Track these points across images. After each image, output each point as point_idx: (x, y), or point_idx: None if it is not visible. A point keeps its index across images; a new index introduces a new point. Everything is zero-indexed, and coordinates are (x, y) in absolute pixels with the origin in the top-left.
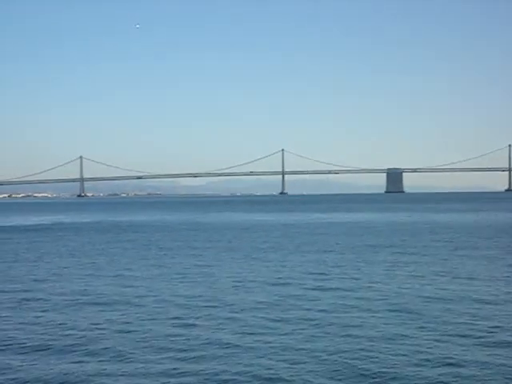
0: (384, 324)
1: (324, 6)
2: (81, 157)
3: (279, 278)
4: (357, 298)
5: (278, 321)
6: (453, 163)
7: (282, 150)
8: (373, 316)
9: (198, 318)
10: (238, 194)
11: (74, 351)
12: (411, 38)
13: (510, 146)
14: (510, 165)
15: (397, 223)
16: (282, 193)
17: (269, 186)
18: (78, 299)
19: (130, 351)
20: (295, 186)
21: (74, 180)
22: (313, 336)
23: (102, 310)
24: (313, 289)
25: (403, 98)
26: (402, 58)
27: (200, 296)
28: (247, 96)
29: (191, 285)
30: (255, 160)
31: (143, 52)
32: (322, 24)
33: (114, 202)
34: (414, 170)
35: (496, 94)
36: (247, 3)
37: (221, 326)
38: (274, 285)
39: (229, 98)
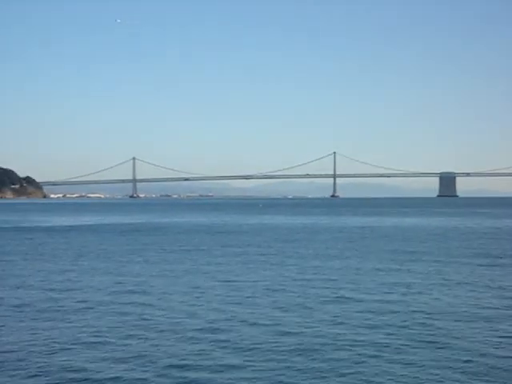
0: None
1: None
2: (134, 158)
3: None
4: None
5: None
6: (508, 167)
7: (334, 152)
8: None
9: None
10: (290, 197)
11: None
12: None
13: None
14: None
15: (447, 228)
16: (333, 196)
17: (321, 188)
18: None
19: None
20: (347, 188)
21: (126, 181)
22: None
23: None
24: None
25: (456, 100)
26: (459, 57)
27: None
28: (299, 97)
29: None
30: (307, 162)
31: (186, 52)
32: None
33: (161, 203)
34: (468, 174)
35: None
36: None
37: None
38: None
39: (282, 98)
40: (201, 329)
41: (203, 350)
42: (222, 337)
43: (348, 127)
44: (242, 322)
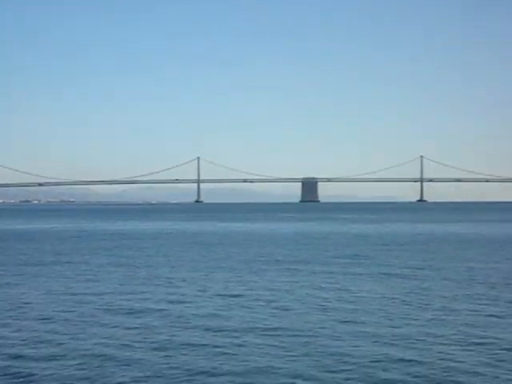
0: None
1: None
2: None
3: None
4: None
5: None
6: (367, 173)
7: (198, 157)
8: None
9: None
10: (154, 202)
11: None
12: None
13: (421, 157)
14: (421, 176)
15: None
16: (197, 201)
17: (185, 194)
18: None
19: None
20: (212, 194)
21: None
22: None
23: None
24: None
25: (315, 108)
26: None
27: None
28: (163, 105)
29: None
30: (172, 167)
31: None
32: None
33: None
34: (329, 180)
35: (409, 105)
36: None
37: None
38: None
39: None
40: None
41: None
42: None
43: (212, 132)
44: None
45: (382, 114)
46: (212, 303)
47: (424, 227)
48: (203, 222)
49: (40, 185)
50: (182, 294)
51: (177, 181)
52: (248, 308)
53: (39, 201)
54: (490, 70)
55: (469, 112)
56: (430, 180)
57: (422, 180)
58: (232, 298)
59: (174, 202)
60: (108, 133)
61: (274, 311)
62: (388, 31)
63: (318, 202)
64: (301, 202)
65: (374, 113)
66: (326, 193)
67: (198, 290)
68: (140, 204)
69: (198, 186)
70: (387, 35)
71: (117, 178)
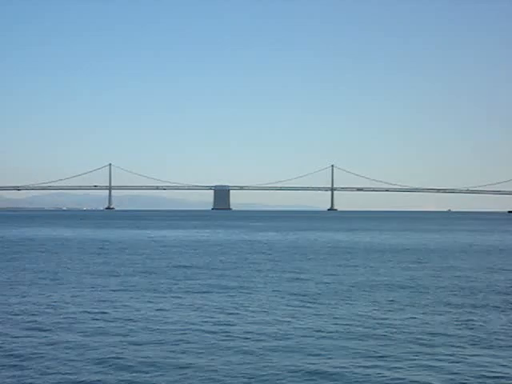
0: None
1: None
2: None
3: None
4: None
5: None
6: (279, 181)
7: (110, 164)
8: None
9: None
10: (64, 209)
11: None
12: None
13: (332, 166)
14: (332, 185)
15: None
16: (108, 208)
17: (97, 200)
18: None
19: None
20: (125, 201)
21: None
22: None
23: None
24: None
25: (227, 116)
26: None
27: None
28: (75, 110)
29: None
30: (83, 174)
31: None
32: None
33: None
34: (241, 188)
35: (320, 115)
36: None
37: None
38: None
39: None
40: None
41: None
42: None
43: (123, 139)
44: None
45: (294, 123)
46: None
47: (320, 235)
48: (106, 229)
49: None
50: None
51: (88, 187)
52: None
53: None
54: (394, 79)
55: (377, 122)
56: (334, 189)
57: (332, 189)
58: None
59: (85, 208)
60: (18, 137)
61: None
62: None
63: (230, 209)
64: (213, 209)
65: (286, 123)
66: (238, 201)
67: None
68: (50, 210)
69: (110, 192)
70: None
71: (27, 183)
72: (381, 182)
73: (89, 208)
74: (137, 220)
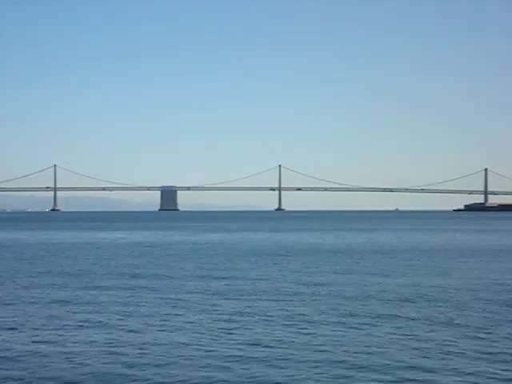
0: None
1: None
2: None
3: None
4: None
5: None
6: (227, 181)
7: (55, 165)
8: None
9: None
10: (8, 211)
11: None
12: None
13: (279, 166)
14: (279, 184)
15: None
16: (53, 209)
17: (41, 202)
18: None
19: None
20: (71, 202)
21: None
22: None
23: None
24: None
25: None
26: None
27: None
28: (18, 111)
29: None
30: (27, 175)
31: None
32: None
33: None
34: (188, 188)
35: (269, 113)
36: None
37: None
38: None
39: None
40: None
41: None
42: None
43: (68, 140)
44: None
45: (246, 123)
46: None
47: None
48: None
49: None
50: None
51: (33, 189)
52: None
53: None
54: (354, 80)
55: (328, 120)
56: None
57: (280, 189)
58: None
59: (29, 210)
60: None
61: None
62: None
63: (178, 210)
64: (160, 210)
65: (239, 122)
66: (185, 201)
67: None
68: None
69: (55, 194)
70: None
71: None
72: (329, 181)
73: (33, 210)
74: (75, 222)
